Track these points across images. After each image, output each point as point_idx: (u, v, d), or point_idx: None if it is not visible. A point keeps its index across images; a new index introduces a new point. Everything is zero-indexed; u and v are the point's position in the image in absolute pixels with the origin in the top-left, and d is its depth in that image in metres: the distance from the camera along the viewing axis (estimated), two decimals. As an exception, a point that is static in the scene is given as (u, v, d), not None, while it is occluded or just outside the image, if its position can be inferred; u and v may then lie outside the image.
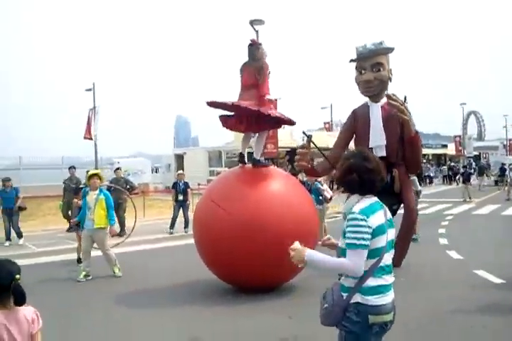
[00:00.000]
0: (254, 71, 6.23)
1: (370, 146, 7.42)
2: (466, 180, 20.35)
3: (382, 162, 7.20)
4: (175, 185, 12.33)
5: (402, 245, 7.32)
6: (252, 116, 6.22)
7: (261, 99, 6.17)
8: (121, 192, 11.01)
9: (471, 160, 40.86)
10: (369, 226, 2.34)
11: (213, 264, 6.21)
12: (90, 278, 7.28)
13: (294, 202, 5.97)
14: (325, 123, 34.33)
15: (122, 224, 11.41)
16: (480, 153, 53.91)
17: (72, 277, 7.35)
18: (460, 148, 39.06)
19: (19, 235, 10.58)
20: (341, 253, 2.45)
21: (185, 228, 11.71)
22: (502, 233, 11.24)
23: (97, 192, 7.54)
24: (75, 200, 8.37)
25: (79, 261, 8.08)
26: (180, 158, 26.64)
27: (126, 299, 6.15)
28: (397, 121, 7.43)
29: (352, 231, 2.35)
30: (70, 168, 12.61)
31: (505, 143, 50.24)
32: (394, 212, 7.76)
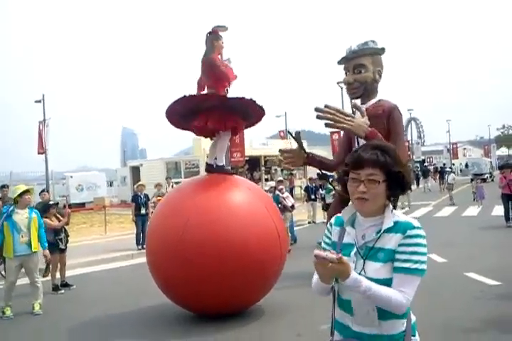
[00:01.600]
0: (206, 68, 5.76)
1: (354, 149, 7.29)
2: None
3: None
4: (135, 197, 11.65)
5: None
6: (214, 112, 5.59)
7: (220, 90, 5.72)
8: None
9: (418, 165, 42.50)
10: None
11: (167, 289, 5.54)
12: (12, 314, 6.20)
13: (259, 214, 5.36)
14: (280, 132, 34.46)
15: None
16: (425, 158, 56.17)
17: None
18: (408, 152, 40.26)
19: None
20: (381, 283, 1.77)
21: (142, 244, 10.79)
22: (472, 234, 11.50)
23: (28, 210, 6.49)
24: (47, 220, 7.51)
25: (55, 288, 7.49)
26: (136, 170, 25.86)
27: (71, 330, 5.51)
28: (382, 124, 7.35)
29: (417, 253, 1.76)
30: (2, 187, 10.40)
31: (448, 147, 52.48)
32: None
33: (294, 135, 7.10)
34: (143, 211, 11.47)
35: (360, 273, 1.76)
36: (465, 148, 63.49)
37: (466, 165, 49.29)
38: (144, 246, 10.72)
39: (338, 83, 25.90)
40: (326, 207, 12.35)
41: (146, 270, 5.69)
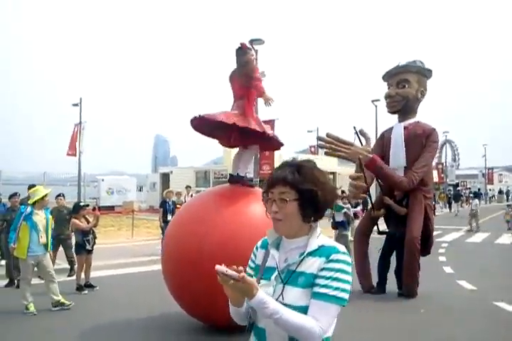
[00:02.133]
0: (242, 78, 5.60)
1: (390, 167, 7.27)
2: None
3: None
4: (163, 204, 11.69)
5: (409, 274, 7.07)
6: (235, 129, 5.52)
7: (248, 109, 5.54)
8: (64, 225, 8.56)
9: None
10: None
11: (180, 298, 5.46)
12: (36, 310, 6.32)
13: None
14: (310, 147, 34.36)
15: (72, 263, 8.85)
16: (458, 181, 55.07)
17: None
18: (442, 175, 39.47)
19: (2, 256, 9.26)
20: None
21: None
22: (504, 263, 11.07)
23: (45, 211, 6.69)
24: (76, 221, 7.69)
25: (79, 288, 7.56)
26: (166, 177, 26.12)
27: (79, 336, 5.45)
28: (421, 143, 7.29)
29: (339, 279, 1.61)
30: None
31: (483, 171, 51.21)
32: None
33: (358, 131, 7.18)
34: (169, 217, 11.46)
35: (277, 299, 1.62)
36: (501, 174, 61.79)
37: (500, 191, 48.14)
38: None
39: (372, 101, 25.76)
40: (335, 226, 11.42)
41: (154, 277, 5.66)
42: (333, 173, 28.01)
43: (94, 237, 8.03)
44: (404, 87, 7.52)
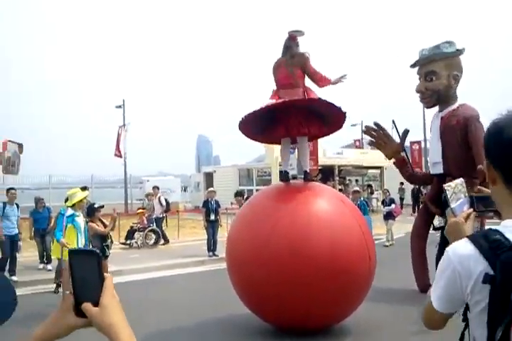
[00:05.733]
0: (296, 68, 5.43)
1: (429, 162, 7.15)
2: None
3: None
4: (205, 203, 11.51)
5: None
6: (292, 118, 5.36)
7: (310, 95, 5.38)
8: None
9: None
10: None
11: (249, 300, 5.24)
12: None
13: (349, 225, 5.03)
14: (355, 141, 33.61)
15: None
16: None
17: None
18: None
19: (49, 260, 9.48)
20: None
21: (213, 251, 10.89)
22: None
23: (81, 214, 6.64)
24: (93, 225, 7.12)
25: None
26: (209, 177, 26.10)
27: None
28: (455, 135, 6.71)
29: None
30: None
31: None
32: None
33: (400, 131, 7.15)
34: (212, 217, 11.32)
35: None
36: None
37: None
38: (215, 252, 10.71)
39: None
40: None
41: (217, 277, 5.47)
42: (381, 167, 27.13)
43: (112, 241, 7.74)
44: (432, 79, 6.97)
